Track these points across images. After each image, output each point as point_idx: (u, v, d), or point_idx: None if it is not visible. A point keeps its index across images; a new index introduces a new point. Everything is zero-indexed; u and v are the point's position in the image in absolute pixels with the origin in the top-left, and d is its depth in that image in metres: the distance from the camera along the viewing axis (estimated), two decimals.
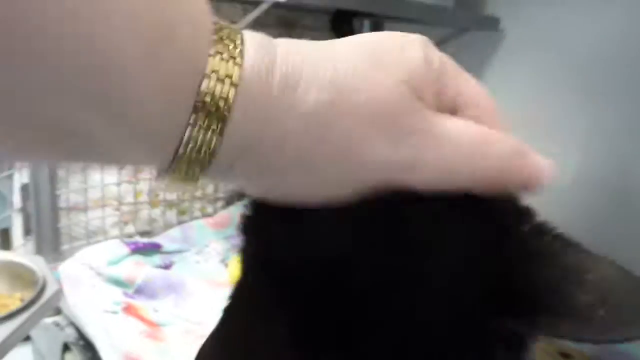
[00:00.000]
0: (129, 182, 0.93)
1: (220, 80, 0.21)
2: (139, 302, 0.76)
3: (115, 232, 0.94)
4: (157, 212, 0.99)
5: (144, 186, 0.96)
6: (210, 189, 1.07)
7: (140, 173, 0.94)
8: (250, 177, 0.24)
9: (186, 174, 0.22)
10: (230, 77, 0.21)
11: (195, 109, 0.21)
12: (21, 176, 0.82)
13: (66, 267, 0.78)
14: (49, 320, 0.72)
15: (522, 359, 0.25)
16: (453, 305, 0.23)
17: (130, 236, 0.94)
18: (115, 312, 0.72)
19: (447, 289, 0.23)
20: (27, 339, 0.71)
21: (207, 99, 0.20)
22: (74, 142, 0.21)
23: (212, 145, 0.21)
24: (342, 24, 0.94)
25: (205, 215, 1.06)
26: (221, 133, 0.21)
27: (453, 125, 0.24)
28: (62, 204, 0.87)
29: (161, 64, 0.20)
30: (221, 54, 0.21)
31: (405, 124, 0.23)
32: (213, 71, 0.21)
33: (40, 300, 0.58)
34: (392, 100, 0.23)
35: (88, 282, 0.77)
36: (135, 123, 0.20)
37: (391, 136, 0.22)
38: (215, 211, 1.07)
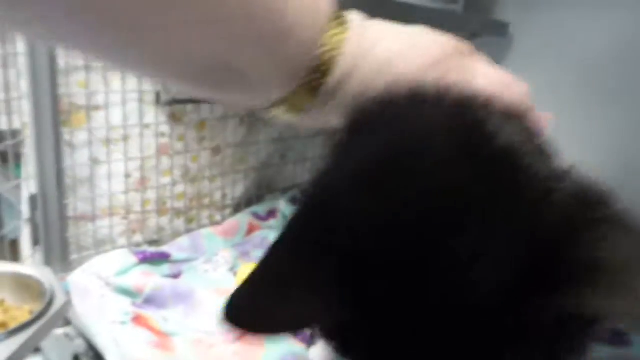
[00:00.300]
0: (137, 190, 0.93)
1: (334, 36, 0.32)
2: (148, 312, 0.76)
3: (123, 241, 0.93)
4: (164, 220, 0.98)
5: (151, 195, 0.95)
6: (218, 196, 1.06)
7: (148, 182, 0.94)
8: (337, 107, 0.34)
9: (295, 105, 0.34)
10: (340, 36, 0.32)
11: (316, 57, 0.32)
12: (29, 186, 0.82)
13: (75, 278, 0.78)
14: (59, 331, 0.71)
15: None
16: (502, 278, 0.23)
17: (138, 245, 0.94)
18: (124, 323, 0.72)
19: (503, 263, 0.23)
20: (38, 350, 0.71)
21: (325, 49, 0.32)
22: (229, 75, 0.32)
23: (322, 81, 0.33)
24: None
25: (214, 223, 1.05)
26: (330, 72, 0.33)
27: (485, 67, 0.36)
28: (70, 213, 0.86)
29: (304, 27, 0.32)
30: (337, 19, 0.33)
31: (448, 63, 0.34)
32: (331, 32, 0.32)
33: (49, 313, 0.57)
34: (440, 50, 0.34)
35: (97, 292, 0.76)
36: (281, 63, 0.32)
37: (436, 71, 0.33)
38: (223, 219, 1.07)
